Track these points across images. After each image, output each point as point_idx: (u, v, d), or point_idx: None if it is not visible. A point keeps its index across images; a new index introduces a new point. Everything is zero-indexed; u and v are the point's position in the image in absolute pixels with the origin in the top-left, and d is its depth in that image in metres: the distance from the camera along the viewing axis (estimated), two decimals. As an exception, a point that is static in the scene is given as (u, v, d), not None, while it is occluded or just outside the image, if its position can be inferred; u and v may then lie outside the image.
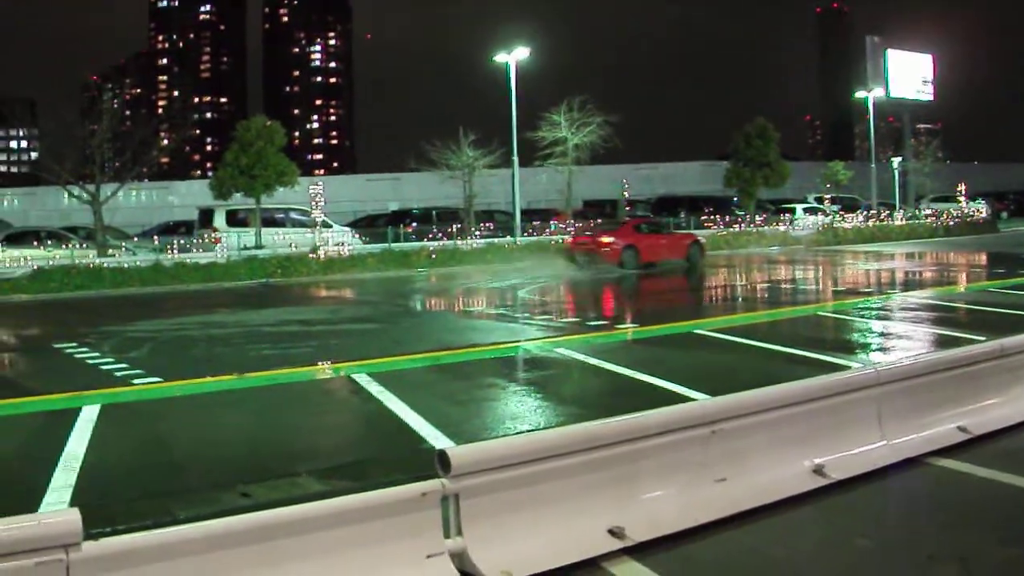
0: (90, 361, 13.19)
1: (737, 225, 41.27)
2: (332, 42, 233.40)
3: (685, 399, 9.02)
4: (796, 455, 6.61)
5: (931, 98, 63.71)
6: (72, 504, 6.41)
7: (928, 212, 51.15)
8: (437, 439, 8.12)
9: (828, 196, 48.38)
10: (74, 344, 14.84)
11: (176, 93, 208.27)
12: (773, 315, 17.66)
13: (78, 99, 55.12)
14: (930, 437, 7.40)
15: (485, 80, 47.91)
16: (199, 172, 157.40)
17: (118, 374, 11.96)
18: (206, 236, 31.95)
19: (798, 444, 6.66)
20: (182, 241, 31.19)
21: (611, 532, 5.47)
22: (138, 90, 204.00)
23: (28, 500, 6.62)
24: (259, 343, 15.53)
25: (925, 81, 62.80)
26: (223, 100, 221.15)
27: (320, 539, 4.58)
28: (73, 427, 8.84)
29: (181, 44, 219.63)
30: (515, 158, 38.42)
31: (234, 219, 33.14)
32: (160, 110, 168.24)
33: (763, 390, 6.72)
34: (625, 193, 40.80)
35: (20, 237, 30.89)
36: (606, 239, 29.55)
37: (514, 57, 38.92)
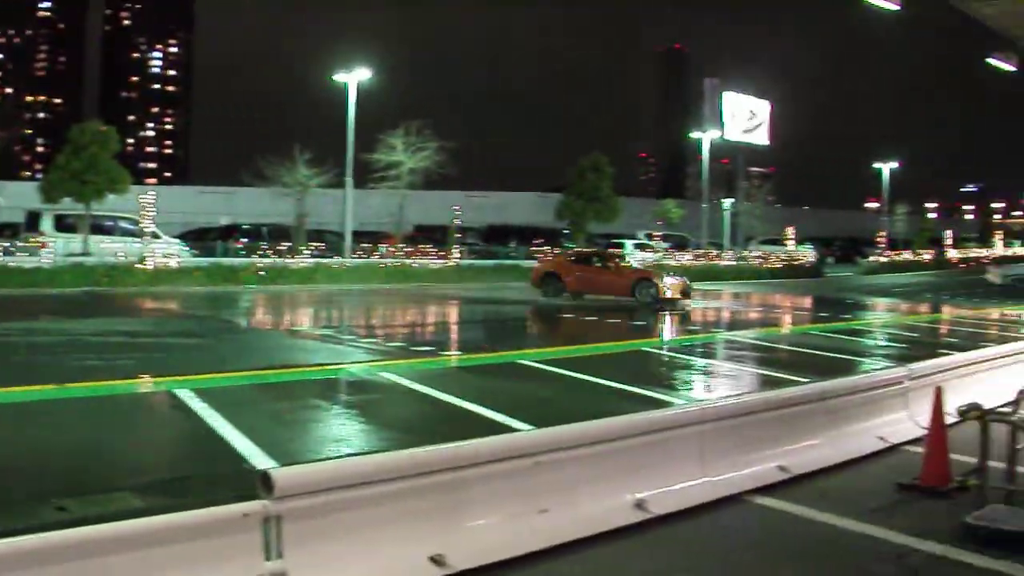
0: None
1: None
2: (173, 49, 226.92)
3: (508, 429, 8.80)
4: (618, 489, 6.54)
5: (766, 143, 66.25)
6: None
7: (757, 254, 52.87)
8: (259, 458, 7.77)
9: (659, 233, 49.38)
10: None
11: (9, 90, 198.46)
12: (599, 349, 17.63)
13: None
14: (751, 475, 7.42)
15: (326, 99, 47.28)
16: (28, 173, 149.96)
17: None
18: (32, 240, 30.28)
19: (621, 478, 6.58)
20: (6, 244, 29.69)
21: (432, 559, 5.33)
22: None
23: None
24: (82, 353, 14.77)
25: (760, 125, 65.28)
26: (57, 101, 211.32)
27: (136, 558, 4.34)
28: None
29: (17, 39, 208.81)
30: (349, 179, 38.08)
31: (62, 224, 31.63)
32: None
33: (586, 423, 6.62)
34: (456, 220, 40.58)
35: None
36: None
37: (354, 77, 38.62)
